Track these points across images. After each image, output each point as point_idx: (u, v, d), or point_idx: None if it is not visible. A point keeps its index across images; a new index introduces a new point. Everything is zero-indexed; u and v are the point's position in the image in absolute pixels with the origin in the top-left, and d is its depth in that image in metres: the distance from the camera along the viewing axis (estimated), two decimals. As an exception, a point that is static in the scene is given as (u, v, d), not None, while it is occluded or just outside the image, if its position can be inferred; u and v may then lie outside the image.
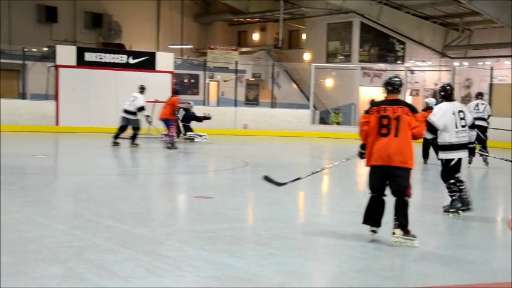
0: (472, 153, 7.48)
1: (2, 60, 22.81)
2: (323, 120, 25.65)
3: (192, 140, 17.25)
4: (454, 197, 7.25)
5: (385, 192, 5.80)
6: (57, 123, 19.51)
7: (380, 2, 25.79)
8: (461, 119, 7.24)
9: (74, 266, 4.44)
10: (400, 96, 6.08)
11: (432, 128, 7.20)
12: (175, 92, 15.88)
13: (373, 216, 5.77)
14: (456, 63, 25.26)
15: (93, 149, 15.42)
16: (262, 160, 14.40)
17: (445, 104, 7.36)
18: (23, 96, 21.54)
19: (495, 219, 7.90)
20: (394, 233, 5.64)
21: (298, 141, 19.53)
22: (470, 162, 12.06)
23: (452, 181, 7.24)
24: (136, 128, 15.20)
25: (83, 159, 12.87)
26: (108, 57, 20.22)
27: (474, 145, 7.62)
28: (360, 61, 26.59)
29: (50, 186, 8.66)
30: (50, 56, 22.23)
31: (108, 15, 29.40)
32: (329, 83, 27.55)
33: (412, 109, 5.84)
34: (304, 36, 30.41)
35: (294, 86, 28.62)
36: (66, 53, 19.97)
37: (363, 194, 9.44)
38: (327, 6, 26.94)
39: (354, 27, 26.92)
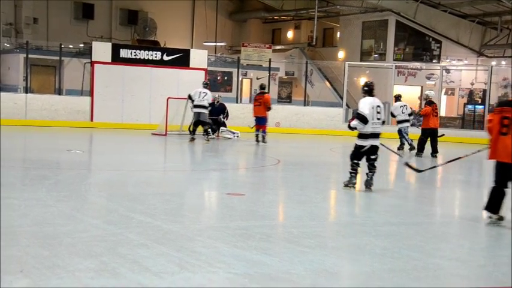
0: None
1: (40, 56, 23.23)
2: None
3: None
4: (352, 174, 8.53)
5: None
6: (91, 119, 19.75)
7: (416, 0, 25.51)
8: (378, 112, 8.50)
9: (107, 260, 4.48)
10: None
11: (364, 119, 8.34)
12: (263, 88, 16.69)
13: (492, 204, 6.48)
14: (493, 63, 24.85)
15: (126, 144, 15.59)
16: (294, 158, 14.37)
17: (367, 99, 8.54)
18: (59, 91, 21.85)
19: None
20: None
21: (331, 140, 19.44)
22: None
23: (355, 161, 8.51)
24: (206, 123, 15.93)
25: (117, 155, 13.01)
26: (143, 54, 20.38)
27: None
28: (395, 60, 26.32)
29: (84, 181, 8.77)
30: (86, 53, 22.55)
31: (143, 12, 29.68)
32: (363, 81, 27.32)
33: None
34: (338, 34, 30.24)
35: (327, 84, 28.49)
36: (101, 50, 20.19)
37: (395, 194, 9.40)
38: (362, 4, 26.75)
39: (389, 26, 26.66)
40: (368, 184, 8.61)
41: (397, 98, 16.36)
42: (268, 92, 17.11)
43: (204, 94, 15.82)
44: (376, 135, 8.54)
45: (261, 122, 16.16)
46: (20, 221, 5.68)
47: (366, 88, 8.70)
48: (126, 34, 29.34)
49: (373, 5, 26.36)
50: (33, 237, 5.14)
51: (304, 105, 23.75)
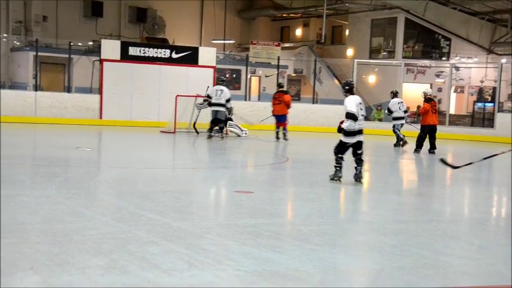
0: None
1: (49, 54, 23.33)
2: (364, 117, 25.37)
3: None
4: (337, 168, 8.86)
5: None
6: (100, 117, 19.82)
7: (426, -3, 25.45)
8: (361, 109, 8.81)
9: (116, 257, 4.49)
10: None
11: (354, 117, 8.63)
12: (281, 86, 17.60)
13: None
14: (503, 60, 24.73)
15: (135, 142, 15.62)
16: (302, 156, 14.37)
17: (351, 97, 8.83)
18: (68, 89, 21.94)
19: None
20: None
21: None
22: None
23: (340, 155, 8.82)
24: (222, 121, 16.12)
25: (126, 153, 13.05)
26: (152, 52, 20.42)
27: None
28: (404, 57, 26.26)
29: (94, 179, 8.79)
30: (95, 50, 22.62)
31: (152, 10, 29.72)
32: (372, 79, 27.29)
33: None
34: (347, 32, 30.18)
35: (336, 82, 28.45)
36: (110, 47, 20.25)
37: (404, 191, 9.39)
38: (371, 2, 26.70)
39: (398, 23, 26.60)
40: (358, 177, 8.84)
41: (395, 94, 16.62)
42: (288, 92, 18.13)
43: (221, 92, 16.06)
44: (361, 131, 8.84)
45: (281, 120, 16.77)
46: (30, 218, 5.71)
47: (347, 87, 9.04)
48: (135, 32, 29.39)
49: (382, 3, 26.30)
50: (43, 234, 5.17)
51: (313, 103, 23.73)
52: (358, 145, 8.83)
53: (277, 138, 16.69)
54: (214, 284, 4.12)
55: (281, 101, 16.70)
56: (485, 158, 8.64)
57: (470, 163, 8.69)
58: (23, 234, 5.11)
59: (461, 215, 7.63)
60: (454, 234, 6.18)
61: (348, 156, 9.02)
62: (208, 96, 16.29)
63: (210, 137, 15.96)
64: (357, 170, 8.86)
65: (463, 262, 5.03)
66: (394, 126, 16.23)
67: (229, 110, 16.31)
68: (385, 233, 5.86)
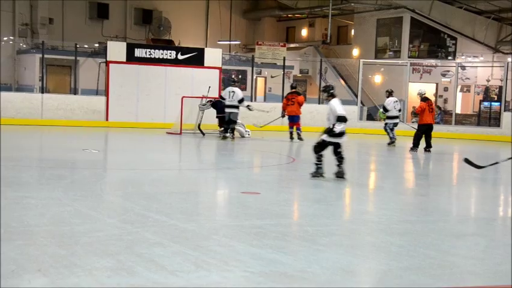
0: None
1: (55, 56, 23.41)
2: (370, 117, 25.37)
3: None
4: (319, 165, 9.19)
5: None
6: (107, 119, 19.85)
7: (431, -3, 25.40)
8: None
9: (123, 259, 4.51)
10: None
11: (345, 120, 8.96)
12: (294, 88, 17.87)
13: None
14: (510, 59, 24.64)
15: (141, 144, 15.65)
16: (308, 156, 14.31)
17: (336, 100, 9.19)
18: (74, 91, 21.99)
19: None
20: None
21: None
22: None
23: (320, 153, 9.15)
24: (234, 122, 16.41)
25: (132, 154, 13.07)
26: (157, 53, 20.45)
27: None
28: (410, 57, 26.20)
29: (100, 181, 8.82)
30: (101, 52, 22.67)
31: (158, 11, 29.76)
32: (377, 79, 27.23)
33: None
34: (353, 32, 30.14)
35: (342, 82, 28.41)
36: (116, 49, 20.28)
37: (410, 191, 9.38)
38: (376, 1, 26.67)
39: (404, 23, 26.54)
40: (341, 174, 9.13)
41: (390, 93, 16.71)
42: (301, 93, 18.73)
43: (233, 93, 16.38)
44: (344, 132, 9.18)
45: (294, 120, 17.02)
46: (37, 220, 5.73)
47: (331, 91, 9.45)
48: (141, 33, 29.44)
49: (387, 2, 26.26)
50: (50, 236, 5.19)
51: (319, 103, 23.68)
52: (338, 144, 9.14)
53: (291, 138, 16.88)
54: (221, 285, 4.13)
55: (295, 102, 16.96)
56: (510, 158, 8.60)
57: (496, 163, 8.67)
58: (30, 236, 5.13)
59: (468, 215, 7.62)
60: (460, 234, 6.17)
61: (346, 154, 9.18)
62: (222, 98, 16.49)
63: (224, 137, 16.21)
64: (339, 168, 9.14)
65: (469, 262, 5.02)
66: (386, 125, 16.39)
67: (248, 108, 16.68)
68: (391, 233, 5.86)
